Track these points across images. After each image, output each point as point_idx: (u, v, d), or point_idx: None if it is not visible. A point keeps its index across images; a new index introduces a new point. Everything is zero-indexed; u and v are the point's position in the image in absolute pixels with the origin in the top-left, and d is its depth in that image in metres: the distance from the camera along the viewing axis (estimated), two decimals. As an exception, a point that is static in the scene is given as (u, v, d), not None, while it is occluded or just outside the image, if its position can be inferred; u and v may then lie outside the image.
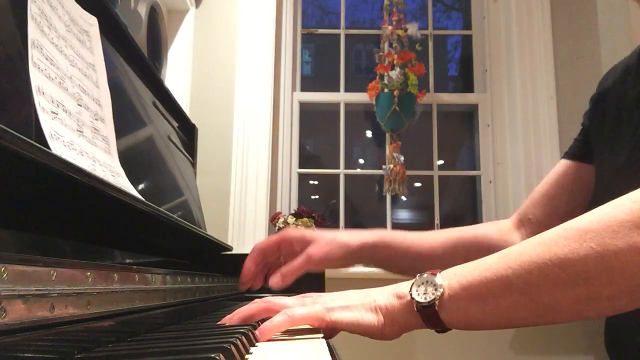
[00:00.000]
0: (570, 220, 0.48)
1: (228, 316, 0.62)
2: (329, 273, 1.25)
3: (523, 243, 0.50)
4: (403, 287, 0.54)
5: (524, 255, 0.48)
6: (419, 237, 0.95)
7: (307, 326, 0.56)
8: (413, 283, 0.52)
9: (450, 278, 0.51)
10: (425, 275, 0.52)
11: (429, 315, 0.51)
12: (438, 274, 0.52)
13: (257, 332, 0.52)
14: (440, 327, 0.52)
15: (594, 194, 0.84)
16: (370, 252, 0.88)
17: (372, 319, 0.53)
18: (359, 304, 0.54)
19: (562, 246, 0.46)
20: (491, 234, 0.99)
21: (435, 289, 0.51)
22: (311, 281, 0.99)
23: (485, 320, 0.50)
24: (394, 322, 0.53)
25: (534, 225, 0.96)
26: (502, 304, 0.49)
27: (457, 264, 0.53)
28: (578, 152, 0.92)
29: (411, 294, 0.52)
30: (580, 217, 0.48)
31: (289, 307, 0.56)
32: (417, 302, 0.51)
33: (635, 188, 0.47)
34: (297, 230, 0.90)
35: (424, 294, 0.51)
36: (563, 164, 0.94)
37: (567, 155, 0.94)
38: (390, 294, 0.54)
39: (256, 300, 0.62)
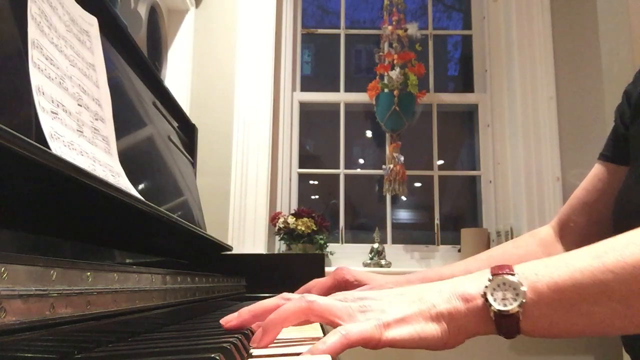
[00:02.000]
0: None
1: (243, 316, 0.52)
2: (329, 271, 1.25)
3: (623, 240, 0.43)
4: (469, 287, 0.45)
5: (627, 256, 0.41)
6: (460, 265, 0.88)
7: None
8: (487, 285, 0.44)
9: (532, 280, 0.44)
10: (500, 276, 0.44)
11: (507, 324, 0.43)
12: (515, 274, 0.44)
13: (309, 351, 0.43)
14: (514, 335, 0.44)
15: (620, 190, 0.78)
16: None
17: (434, 330, 0.44)
18: (416, 312, 0.45)
19: None
20: (535, 251, 0.89)
21: (517, 294, 0.43)
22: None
23: (573, 329, 0.43)
24: (460, 330, 0.45)
25: (576, 233, 0.88)
26: (597, 312, 0.42)
27: None
28: (610, 153, 0.87)
29: (486, 299, 0.44)
30: None
31: (334, 313, 0.46)
32: (496, 310, 0.43)
33: None
34: (349, 272, 0.88)
35: (503, 299, 0.43)
36: (598, 167, 0.88)
37: (601, 157, 0.88)
38: (453, 296, 0.45)
39: (297, 296, 0.50)
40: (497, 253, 0.92)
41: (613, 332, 0.43)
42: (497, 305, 0.43)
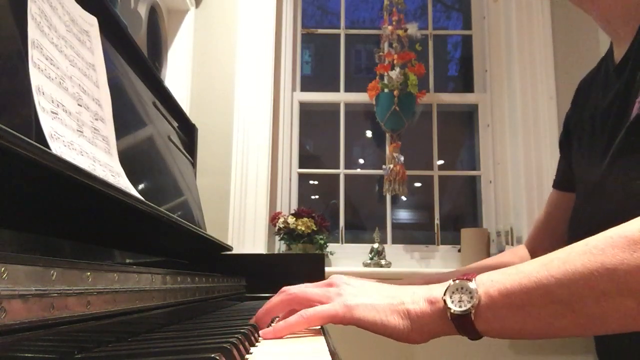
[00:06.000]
0: (616, 228, 0.46)
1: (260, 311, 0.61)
2: (329, 271, 1.25)
3: (566, 250, 0.47)
4: (435, 292, 0.51)
5: (568, 264, 0.45)
6: (446, 274, 0.92)
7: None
8: (447, 289, 0.50)
9: (487, 285, 0.49)
10: (459, 281, 0.49)
11: (463, 324, 0.48)
12: (473, 279, 0.49)
13: (271, 329, 0.52)
14: (474, 335, 0.49)
15: (571, 212, 0.82)
16: None
17: (398, 322, 0.51)
18: (385, 304, 0.52)
19: (611, 256, 0.43)
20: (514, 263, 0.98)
21: (471, 297, 0.48)
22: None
23: (523, 330, 0.47)
24: (423, 328, 0.51)
25: (545, 252, 0.98)
26: (543, 314, 0.46)
27: None
28: (561, 180, 0.93)
29: (445, 301, 0.49)
30: (628, 224, 0.45)
31: (313, 299, 0.55)
32: (452, 310, 0.48)
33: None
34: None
35: (459, 301, 0.48)
36: (553, 194, 0.95)
37: (554, 184, 0.95)
38: (422, 298, 0.51)
39: (283, 290, 0.60)
40: (480, 263, 0.99)
41: (559, 333, 0.47)
42: (452, 306, 0.48)
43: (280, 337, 0.53)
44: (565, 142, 0.91)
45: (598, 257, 0.44)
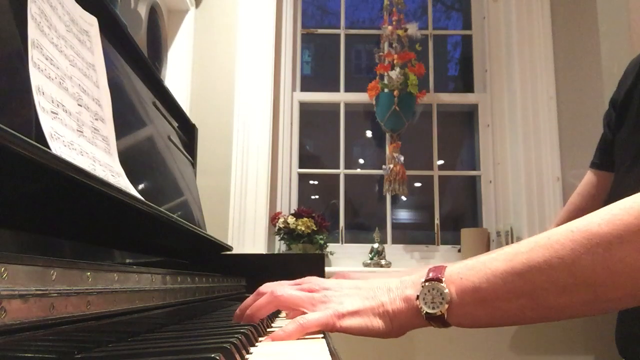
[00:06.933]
0: (578, 220, 0.48)
1: (236, 312, 0.63)
2: (329, 271, 1.25)
3: (531, 243, 0.50)
4: (408, 291, 0.55)
5: (532, 260, 0.48)
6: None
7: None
8: (420, 291, 0.53)
9: (457, 283, 0.52)
10: (429, 283, 0.53)
11: (436, 321, 0.52)
12: (443, 278, 0.52)
13: (269, 337, 0.53)
14: (445, 327, 0.53)
15: (611, 187, 0.87)
16: None
17: (379, 324, 0.54)
18: (367, 308, 0.55)
19: (570, 251, 0.46)
20: None
21: (443, 298, 0.51)
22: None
23: (492, 322, 0.51)
24: (401, 324, 0.54)
25: None
26: (510, 307, 0.49)
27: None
28: (599, 160, 0.96)
29: (418, 302, 0.53)
30: (588, 217, 0.48)
31: (298, 304, 0.57)
32: (425, 311, 0.52)
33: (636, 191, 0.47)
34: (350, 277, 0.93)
35: (432, 302, 0.52)
36: (589, 174, 0.98)
37: (592, 164, 0.99)
38: (398, 297, 0.55)
39: (261, 290, 0.63)
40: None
41: (523, 322, 0.51)
42: (426, 308, 0.52)
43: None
44: (615, 120, 0.94)
45: (559, 252, 0.47)
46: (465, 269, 0.52)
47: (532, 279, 0.48)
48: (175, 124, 1.24)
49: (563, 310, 0.48)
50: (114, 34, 0.85)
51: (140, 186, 0.79)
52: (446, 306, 0.51)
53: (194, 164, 1.36)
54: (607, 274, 0.45)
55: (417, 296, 0.53)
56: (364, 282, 0.59)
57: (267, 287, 0.62)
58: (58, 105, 0.56)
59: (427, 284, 0.53)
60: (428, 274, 0.54)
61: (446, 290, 0.51)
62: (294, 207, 2.28)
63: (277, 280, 0.70)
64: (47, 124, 0.52)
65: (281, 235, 2.15)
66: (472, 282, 0.51)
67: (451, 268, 0.54)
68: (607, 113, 0.98)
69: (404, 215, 2.78)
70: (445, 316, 0.51)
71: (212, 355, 0.34)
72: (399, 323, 0.54)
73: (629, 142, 0.85)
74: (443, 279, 0.52)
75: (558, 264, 0.46)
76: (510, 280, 0.49)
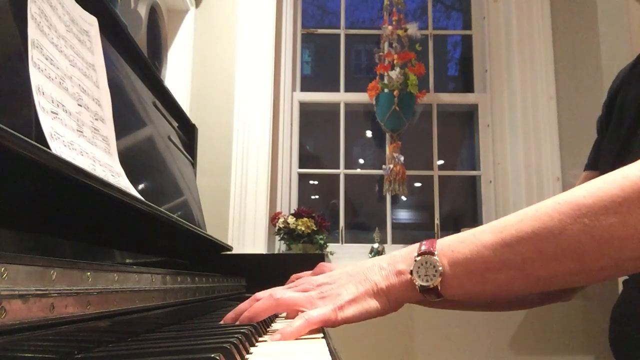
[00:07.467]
0: (565, 193, 0.50)
1: (230, 315, 0.61)
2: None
3: (519, 215, 0.51)
4: (401, 264, 0.56)
5: (521, 231, 0.50)
6: None
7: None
8: (414, 264, 0.54)
9: (449, 256, 0.53)
10: (422, 257, 0.54)
11: (430, 292, 0.53)
12: (435, 251, 0.54)
13: (279, 334, 0.53)
14: (439, 298, 0.54)
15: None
16: None
17: (376, 305, 0.55)
18: (362, 292, 0.56)
19: (557, 221, 0.48)
20: None
21: (436, 271, 0.53)
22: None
23: (483, 292, 0.53)
24: (396, 300, 0.56)
25: None
26: (500, 278, 0.51)
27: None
28: (593, 162, 0.98)
29: (412, 275, 0.54)
30: (575, 189, 0.50)
31: (298, 303, 0.57)
32: (420, 284, 0.53)
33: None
34: (329, 268, 0.92)
35: (425, 275, 0.53)
36: (584, 176, 0.99)
37: (586, 167, 1.01)
38: (391, 273, 0.56)
39: (257, 296, 0.62)
40: None
41: (513, 292, 0.53)
42: (420, 281, 0.53)
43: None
44: (605, 123, 0.98)
45: (547, 223, 0.48)
46: (457, 242, 0.54)
47: (521, 250, 0.49)
48: (175, 124, 1.24)
49: (551, 280, 0.50)
50: (114, 34, 0.85)
51: (140, 186, 0.79)
52: (439, 279, 0.52)
53: (194, 164, 1.36)
54: (593, 244, 0.47)
55: (411, 270, 0.54)
56: (353, 266, 0.59)
57: (264, 293, 0.62)
58: (58, 105, 0.56)
59: (419, 257, 0.54)
60: (420, 247, 0.55)
61: (439, 263, 0.53)
62: (294, 207, 2.28)
63: (276, 280, 0.69)
64: (47, 124, 0.52)
65: (281, 235, 2.15)
66: (464, 254, 0.52)
67: (442, 241, 0.55)
68: (599, 117, 1.01)
69: (404, 215, 2.79)
70: (439, 288, 0.53)
71: (212, 355, 0.34)
72: (394, 298, 0.55)
73: (611, 143, 0.88)
74: (435, 252, 0.54)
75: (546, 235, 0.48)
76: (500, 251, 0.50)
